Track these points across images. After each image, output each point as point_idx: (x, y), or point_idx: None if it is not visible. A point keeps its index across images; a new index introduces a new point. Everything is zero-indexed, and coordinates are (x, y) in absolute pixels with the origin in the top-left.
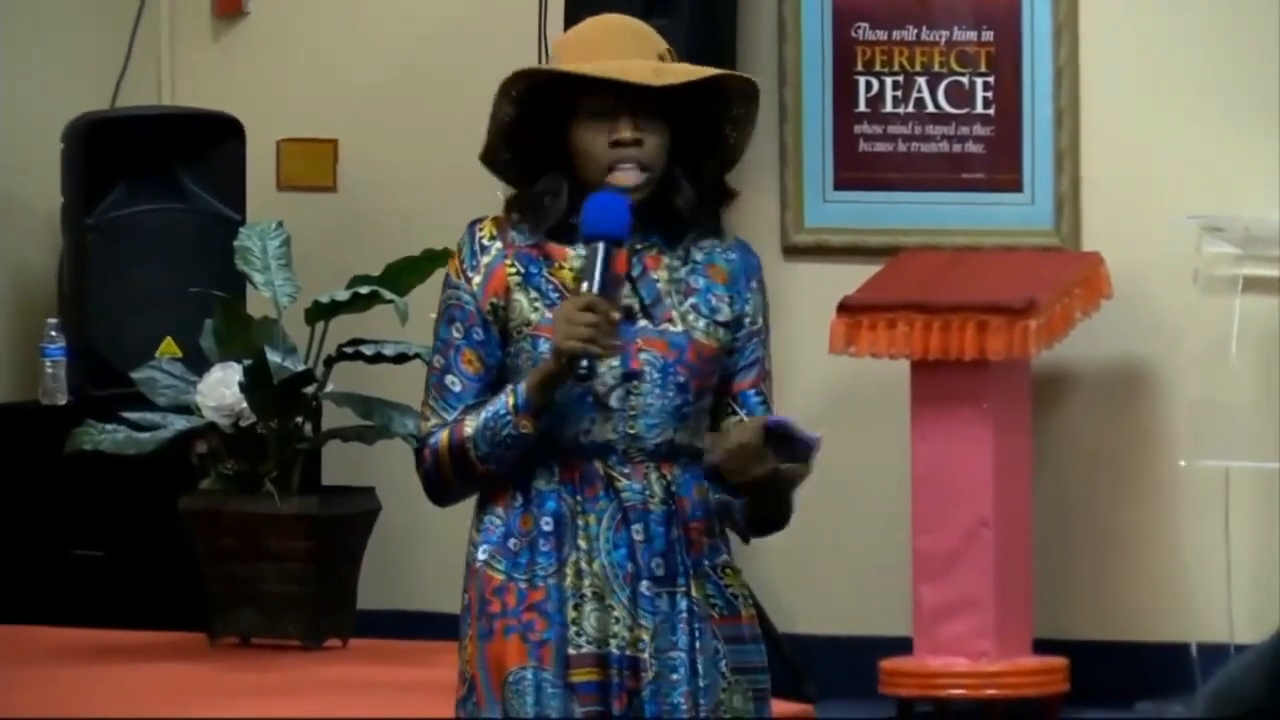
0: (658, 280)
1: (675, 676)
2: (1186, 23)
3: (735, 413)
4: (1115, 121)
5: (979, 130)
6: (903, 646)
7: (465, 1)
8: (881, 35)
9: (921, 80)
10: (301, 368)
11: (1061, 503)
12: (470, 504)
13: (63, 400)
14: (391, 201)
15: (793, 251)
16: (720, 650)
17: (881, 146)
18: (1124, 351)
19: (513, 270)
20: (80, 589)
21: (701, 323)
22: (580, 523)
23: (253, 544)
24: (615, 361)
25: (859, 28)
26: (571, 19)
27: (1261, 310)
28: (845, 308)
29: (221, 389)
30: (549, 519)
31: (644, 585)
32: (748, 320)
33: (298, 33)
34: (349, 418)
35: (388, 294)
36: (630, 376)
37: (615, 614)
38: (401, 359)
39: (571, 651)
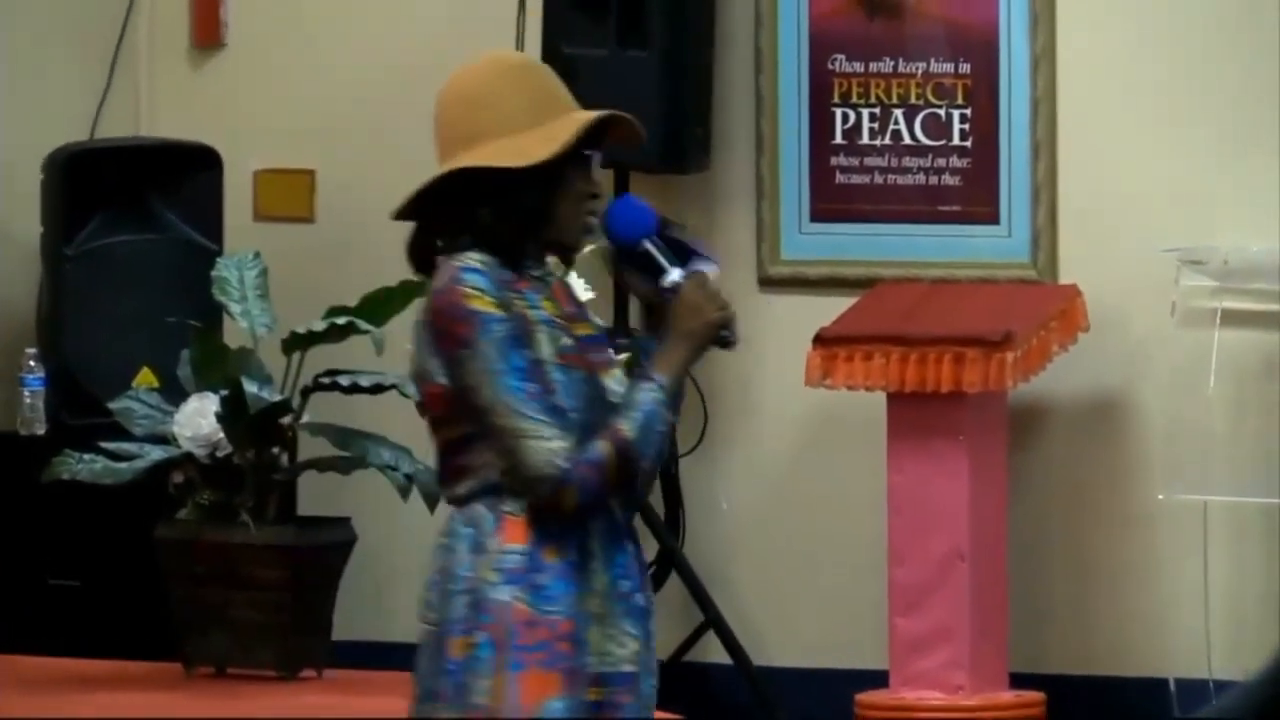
0: None
1: (653, 682)
2: (1165, 55)
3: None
4: (1093, 154)
5: (956, 162)
6: (878, 680)
7: (443, 33)
8: (858, 67)
9: (898, 112)
10: (278, 398)
11: (1038, 536)
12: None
13: (41, 430)
14: (368, 232)
15: (769, 283)
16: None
17: (858, 179)
18: (1101, 384)
19: (523, 304)
20: (57, 618)
21: None
22: (592, 548)
23: (228, 573)
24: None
25: (836, 59)
26: (548, 50)
27: (1239, 343)
28: (821, 340)
29: (198, 419)
30: (574, 551)
31: (639, 598)
32: None
33: (275, 64)
34: (325, 448)
35: (364, 325)
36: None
37: (609, 631)
38: (378, 390)
39: (588, 674)
